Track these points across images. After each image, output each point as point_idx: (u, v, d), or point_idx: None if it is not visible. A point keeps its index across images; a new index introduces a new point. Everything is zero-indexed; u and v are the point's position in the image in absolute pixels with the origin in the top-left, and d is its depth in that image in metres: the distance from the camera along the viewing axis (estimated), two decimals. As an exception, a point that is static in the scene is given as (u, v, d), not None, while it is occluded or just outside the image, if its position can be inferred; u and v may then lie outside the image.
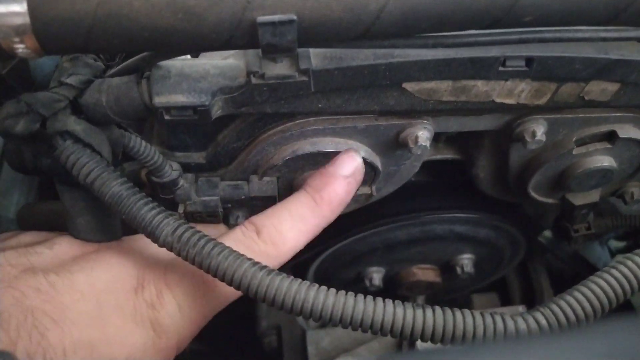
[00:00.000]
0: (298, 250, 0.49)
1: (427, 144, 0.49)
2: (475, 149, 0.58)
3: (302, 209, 0.49)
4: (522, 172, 0.58)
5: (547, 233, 0.91)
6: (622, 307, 0.40)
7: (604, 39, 0.41)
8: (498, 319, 0.39)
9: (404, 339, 0.40)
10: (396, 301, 0.41)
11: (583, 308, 0.38)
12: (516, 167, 0.57)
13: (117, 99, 0.42)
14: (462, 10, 0.35)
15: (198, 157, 0.52)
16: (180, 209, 0.53)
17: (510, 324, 0.39)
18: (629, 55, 0.44)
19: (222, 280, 0.42)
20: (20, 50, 0.34)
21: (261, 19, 0.34)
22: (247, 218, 0.57)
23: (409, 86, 0.44)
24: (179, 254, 0.42)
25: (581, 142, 0.53)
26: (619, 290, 0.38)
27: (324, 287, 0.42)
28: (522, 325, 0.39)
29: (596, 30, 0.41)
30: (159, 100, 0.41)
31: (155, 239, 0.42)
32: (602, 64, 0.44)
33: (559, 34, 0.40)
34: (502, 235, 0.74)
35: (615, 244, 1.05)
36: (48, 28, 0.33)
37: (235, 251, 0.43)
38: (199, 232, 0.42)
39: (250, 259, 0.43)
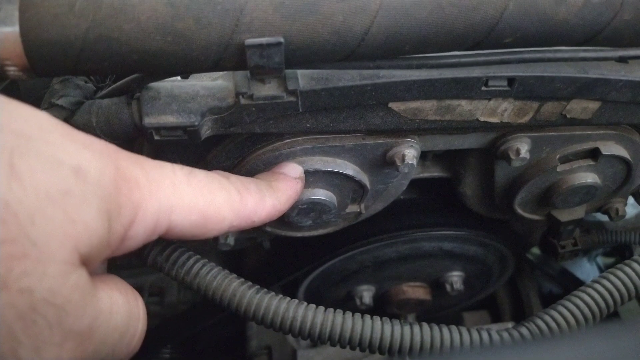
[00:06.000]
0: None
1: (414, 162, 0.49)
2: (461, 167, 0.59)
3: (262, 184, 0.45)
4: (508, 189, 0.59)
5: (536, 250, 0.92)
6: (608, 316, 0.41)
7: (584, 59, 0.42)
8: (484, 333, 0.39)
9: (392, 355, 0.40)
10: (384, 318, 0.42)
11: (567, 322, 0.39)
12: (502, 185, 0.58)
13: (107, 120, 0.43)
14: (444, 33, 0.36)
15: None
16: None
17: (497, 338, 0.39)
18: (607, 74, 0.45)
19: (212, 299, 0.42)
20: (11, 72, 0.35)
21: (249, 41, 0.35)
22: (236, 236, 0.57)
23: (394, 106, 0.45)
24: (167, 274, 0.42)
25: (565, 160, 0.54)
26: (602, 305, 0.39)
27: (312, 305, 0.42)
28: (507, 339, 0.39)
29: (576, 51, 0.42)
30: (149, 120, 0.41)
31: (144, 259, 0.42)
32: (582, 83, 0.45)
33: (539, 54, 0.41)
34: (491, 252, 0.75)
35: (603, 260, 1.06)
36: (39, 50, 0.34)
37: (224, 270, 0.43)
38: (187, 251, 0.43)
39: (239, 278, 0.43)
